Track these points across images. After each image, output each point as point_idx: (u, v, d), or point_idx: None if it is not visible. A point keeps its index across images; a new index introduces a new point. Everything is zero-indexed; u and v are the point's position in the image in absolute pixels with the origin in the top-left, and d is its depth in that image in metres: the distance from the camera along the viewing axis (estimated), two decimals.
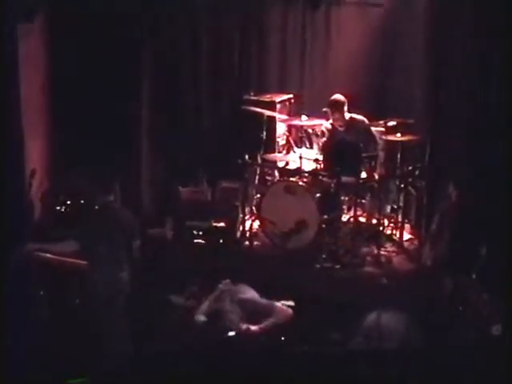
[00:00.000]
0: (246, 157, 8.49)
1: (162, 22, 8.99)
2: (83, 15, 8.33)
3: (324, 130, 8.68)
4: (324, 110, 8.56)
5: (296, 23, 9.57)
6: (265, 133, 9.07)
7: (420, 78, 8.90)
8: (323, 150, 8.57)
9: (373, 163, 8.34)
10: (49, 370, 4.60)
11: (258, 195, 8.82)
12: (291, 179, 8.44)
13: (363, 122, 8.57)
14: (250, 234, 8.54)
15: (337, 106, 8.47)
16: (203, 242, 8.38)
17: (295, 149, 8.97)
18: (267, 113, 9.08)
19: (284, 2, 9.51)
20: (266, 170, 9.08)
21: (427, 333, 6.22)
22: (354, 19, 9.38)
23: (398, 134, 8.42)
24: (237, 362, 4.99)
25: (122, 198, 6.87)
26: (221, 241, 8.38)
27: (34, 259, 6.65)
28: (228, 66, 9.59)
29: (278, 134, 9.22)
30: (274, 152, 9.09)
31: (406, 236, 8.66)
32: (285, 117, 9.26)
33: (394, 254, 8.37)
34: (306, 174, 8.45)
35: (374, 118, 8.70)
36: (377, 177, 8.40)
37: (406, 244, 8.55)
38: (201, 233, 8.40)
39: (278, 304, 6.96)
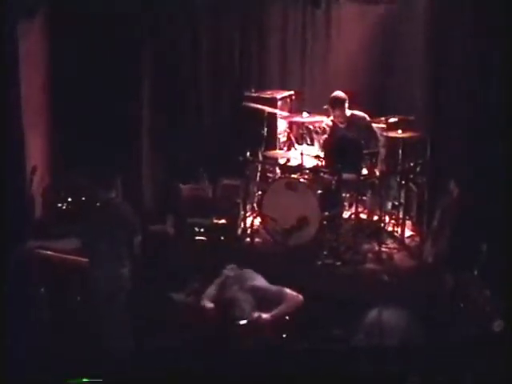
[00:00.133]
0: (247, 154, 8.50)
1: (162, 21, 8.98)
2: (83, 15, 8.33)
3: (325, 126, 8.68)
4: (325, 107, 8.56)
5: (297, 20, 9.57)
6: (266, 129, 9.08)
7: (420, 77, 8.92)
8: (324, 146, 8.57)
9: (374, 160, 8.34)
10: (49, 370, 4.60)
11: (259, 192, 8.82)
12: (292, 176, 8.44)
13: (364, 118, 8.57)
14: (251, 231, 8.54)
15: (338, 103, 8.46)
16: (204, 238, 8.38)
17: (296, 145, 8.98)
18: (268, 109, 9.07)
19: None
20: (267, 166, 9.08)
21: (428, 329, 6.21)
22: (354, 17, 9.37)
23: (399, 131, 8.42)
24: (237, 358, 4.99)
25: (123, 194, 6.88)
26: (222, 238, 8.39)
27: (35, 256, 6.66)
28: (229, 63, 9.59)
29: (278, 131, 9.23)
30: (275, 149, 9.09)
31: (407, 233, 8.65)
32: (286, 113, 9.26)
33: (395, 250, 8.37)
34: (307, 171, 8.45)
35: (374, 114, 8.70)
36: (378, 173, 8.40)
37: (407, 241, 8.55)
38: (202, 230, 8.40)
39: (288, 290, 6.83)
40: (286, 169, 8.68)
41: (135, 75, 8.89)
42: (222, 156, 9.17)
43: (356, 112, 8.56)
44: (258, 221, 8.64)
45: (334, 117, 8.57)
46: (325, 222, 8.23)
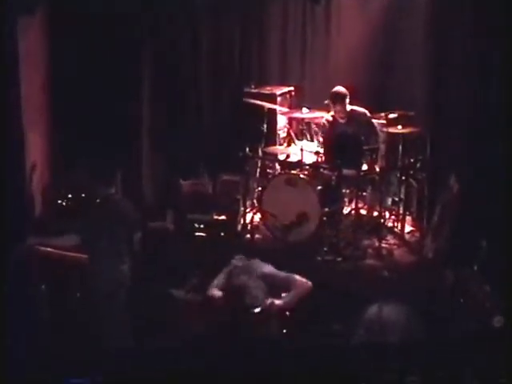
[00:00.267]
0: (247, 150, 8.49)
1: (162, 21, 8.98)
2: (83, 15, 8.32)
3: (325, 122, 8.67)
4: (326, 102, 8.55)
5: (296, 16, 9.56)
6: (265, 125, 9.08)
7: (420, 76, 8.95)
8: (324, 142, 8.57)
9: (374, 156, 8.34)
10: (49, 370, 4.60)
11: (259, 188, 8.82)
12: (292, 172, 8.44)
13: (365, 114, 8.56)
14: (251, 227, 8.54)
15: (338, 98, 8.45)
16: (204, 234, 8.38)
17: (296, 141, 8.97)
18: (268, 105, 9.07)
19: None
20: (266, 162, 9.08)
21: (428, 325, 6.21)
22: (354, 12, 9.37)
23: (399, 127, 8.43)
24: (237, 356, 4.99)
25: (122, 191, 6.87)
26: (222, 234, 8.38)
27: (34, 253, 6.65)
28: (228, 59, 9.58)
29: (278, 127, 9.23)
30: (274, 145, 9.09)
31: (408, 228, 8.66)
32: (285, 109, 9.25)
33: (395, 246, 8.37)
34: (307, 167, 8.44)
35: (374, 110, 8.69)
36: (378, 169, 8.40)
37: (407, 236, 8.56)
38: (202, 226, 8.40)
39: (297, 277, 6.79)
40: (286, 165, 8.68)
41: (135, 73, 8.88)
42: (222, 152, 9.17)
43: (356, 108, 8.56)
44: (257, 217, 8.65)
45: (335, 112, 8.55)
46: (325, 218, 8.23)
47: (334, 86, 8.54)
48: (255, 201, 8.82)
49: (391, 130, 8.50)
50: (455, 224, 7.75)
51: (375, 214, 8.52)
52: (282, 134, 9.27)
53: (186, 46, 9.34)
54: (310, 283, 6.80)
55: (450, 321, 6.66)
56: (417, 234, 8.55)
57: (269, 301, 6.53)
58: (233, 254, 7.01)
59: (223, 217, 8.50)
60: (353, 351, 5.26)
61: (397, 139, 8.56)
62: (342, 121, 8.61)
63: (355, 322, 6.13)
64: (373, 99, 8.96)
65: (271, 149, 8.96)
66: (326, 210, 8.21)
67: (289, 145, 8.97)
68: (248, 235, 8.50)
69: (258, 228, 8.59)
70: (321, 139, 8.69)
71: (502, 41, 7.64)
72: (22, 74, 7.59)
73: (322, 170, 8.41)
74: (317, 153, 8.43)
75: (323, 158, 8.42)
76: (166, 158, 9.18)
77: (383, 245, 8.27)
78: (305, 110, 8.77)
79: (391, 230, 8.65)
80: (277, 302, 6.55)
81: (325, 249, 8.09)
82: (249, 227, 8.55)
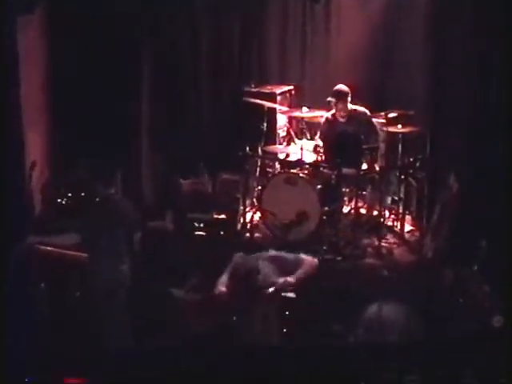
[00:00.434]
0: (247, 149, 8.49)
1: (162, 22, 8.98)
2: (83, 15, 8.32)
3: (324, 120, 8.67)
4: (328, 99, 8.53)
5: (296, 15, 9.56)
6: (265, 124, 9.08)
7: (420, 75, 8.94)
8: (323, 141, 8.57)
9: (374, 155, 8.34)
10: (49, 370, 4.60)
11: (259, 187, 8.82)
12: (292, 171, 8.44)
13: (365, 113, 8.56)
14: (250, 226, 8.54)
15: (341, 96, 8.45)
16: (204, 234, 8.38)
17: (296, 140, 8.97)
18: (268, 104, 9.07)
19: None
20: (266, 161, 9.08)
21: (428, 324, 6.21)
22: (354, 11, 9.36)
23: (399, 126, 8.42)
24: (237, 355, 5.00)
25: (122, 190, 6.87)
26: (222, 233, 8.39)
27: (34, 252, 6.65)
28: (228, 59, 9.58)
29: (278, 126, 9.23)
30: (274, 144, 9.09)
31: (407, 227, 8.66)
32: (285, 108, 9.26)
33: (394, 245, 8.37)
34: (307, 166, 8.45)
35: (374, 109, 8.70)
36: (378, 168, 8.40)
37: (406, 235, 8.56)
38: (202, 225, 8.39)
39: (303, 255, 6.95)
40: (286, 164, 8.68)
41: (135, 72, 8.88)
42: (222, 151, 9.17)
43: (357, 107, 8.56)
44: (257, 216, 8.64)
45: (337, 110, 8.55)
46: (324, 217, 8.23)
47: (333, 85, 8.54)
48: (255, 200, 8.82)
49: (391, 129, 8.50)
50: (455, 223, 7.76)
51: (375, 213, 8.52)
52: (282, 133, 9.27)
53: (186, 46, 9.34)
54: (316, 260, 6.98)
55: (450, 320, 6.66)
56: (416, 234, 8.55)
57: (281, 279, 6.62)
58: (233, 253, 7.01)
59: (223, 216, 8.50)
60: (352, 351, 5.27)
61: (396, 138, 8.56)
62: (342, 120, 8.61)
63: (355, 321, 6.15)
64: (373, 98, 8.95)
65: (271, 148, 8.96)
66: (326, 208, 8.21)
67: (288, 144, 8.98)
68: (248, 234, 8.50)
69: (257, 227, 8.59)
70: (317, 136, 8.69)
71: (502, 41, 7.64)
72: (22, 74, 7.59)
73: (321, 168, 8.41)
74: (317, 152, 8.42)
75: (323, 157, 8.42)
76: (165, 158, 9.18)
77: (383, 244, 8.27)
78: (304, 109, 8.77)
79: (391, 229, 8.65)
80: (289, 278, 6.65)
81: (324, 248, 8.09)
82: (249, 226, 8.55)
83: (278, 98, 9.20)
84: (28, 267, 6.70)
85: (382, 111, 8.76)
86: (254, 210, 8.73)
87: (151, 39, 8.97)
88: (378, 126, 8.62)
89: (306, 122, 9.04)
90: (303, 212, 8.16)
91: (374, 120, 8.63)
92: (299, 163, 8.44)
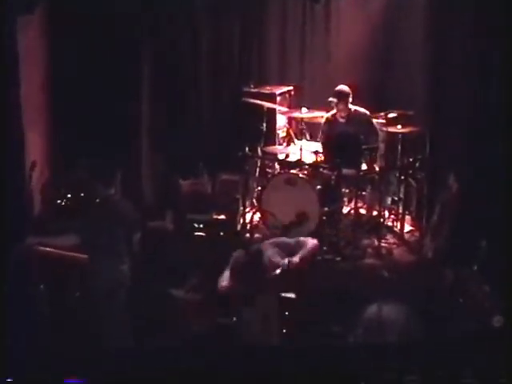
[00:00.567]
0: (247, 149, 8.50)
1: (162, 21, 8.98)
2: (83, 14, 8.32)
3: (325, 120, 8.67)
4: (330, 99, 8.53)
5: (296, 15, 9.56)
6: (265, 125, 9.08)
7: (420, 75, 8.95)
8: (324, 141, 8.57)
9: (373, 155, 8.35)
10: (49, 370, 4.60)
11: (259, 187, 8.83)
12: (292, 171, 8.44)
13: (365, 114, 8.57)
14: (250, 227, 8.54)
15: (342, 96, 8.46)
16: (204, 234, 8.38)
17: (295, 141, 8.97)
18: (267, 105, 9.07)
19: None
20: (266, 162, 9.07)
21: (428, 324, 6.21)
22: (354, 11, 9.37)
23: (399, 126, 8.43)
24: (237, 355, 4.99)
25: (122, 191, 6.87)
26: (221, 233, 8.39)
27: (34, 253, 6.65)
28: (228, 59, 9.58)
29: (278, 126, 9.23)
30: (274, 144, 9.10)
31: (407, 228, 8.67)
32: (285, 109, 9.26)
33: (394, 245, 8.39)
34: (307, 166, 8.45)
35: (374, 109, 8.70)
36: (377, 169, 8.41)
37: (406, 236, 8.57)
38: (201, 225, 8.39)
39: (304, 238, 7.12)
40: (286, 164, 8.68)
41: (135, 71, 8.89)
42: (222, 151, 9.17)
43: (358, 108, 8.56)
44: (257, 216, 8.64)
45: (338, 110, 8.56)
46: (324, 218, 8.24)
47: (333, 86, 8.56)
48: (255, 200, 8.82)
49: (391, 129, 8.51)
50: (455, 224, 7.76)
51: (375, 213, 8.53)
52: (282, 133, 9.28)
53: (186, 46, 9.34)
54: (315, 240, 7.16)
55: (450, 320, 6.66)
56: (416, 234, 8.55)
57: (286, 260, 6.73)
58: (232, 253, 7.01)
59: (223, 216, 8.50)
60: (352, 351, 5.27)
61: (396, 139, 8.57)
62: (342, 120, 8.62)
63: (355, 321, 6.14)
64: (372, 98, 8.96)
65: (271, 148, 8.96)
66: (326, 209, 8.22)
67: (288, 144, 8.98)
68: (248, 235, 8.50)
69: (257, 227, 8.59)
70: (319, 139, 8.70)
71: (502, 41, 7.64)
72: (22, 74, 7.58)
73: (321, 169, 8.41)
74: (316, 152, 8.42)
75: (323, 158, 8.42)
76: (165, 158, 9.18)
77: (383, 244, 8.28)
78: (304, 109, 8.77)
79: (391, 229, 8.66)
80: (294, 258, 6.79)
81: (324, 248, 8.09)
82: (248, 227, 8.56)
83: (278, 98, 9.20)
84: (28, 268, 6.69)
85: (381, 111, 8.76)
86: (253, 210, 8.73)
87: (151, 39, 8.97)
88: (378, 126, 8.63)
89: (306, 123, 9.04)
90: (303, 212, 8.17)
91: (374, 120, 8.63)
92: (299, 164, 8.44)
